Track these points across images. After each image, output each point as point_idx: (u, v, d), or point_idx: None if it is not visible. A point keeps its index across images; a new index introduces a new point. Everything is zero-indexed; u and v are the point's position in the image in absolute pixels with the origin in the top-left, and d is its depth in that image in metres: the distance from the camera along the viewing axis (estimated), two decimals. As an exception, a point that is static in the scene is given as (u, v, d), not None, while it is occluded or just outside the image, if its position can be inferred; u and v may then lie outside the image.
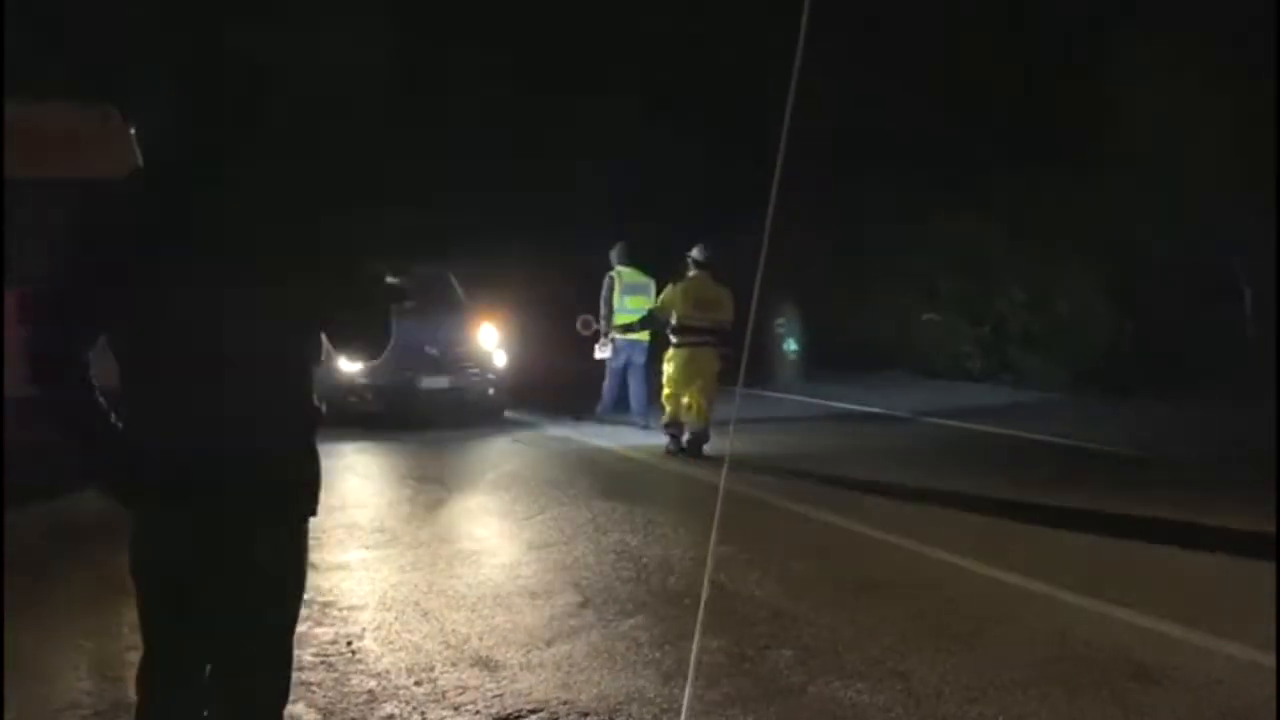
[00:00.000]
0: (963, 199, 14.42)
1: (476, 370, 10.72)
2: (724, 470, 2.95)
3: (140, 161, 7.22)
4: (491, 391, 10.81)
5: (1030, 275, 14.18)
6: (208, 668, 2.33)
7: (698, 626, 2.83)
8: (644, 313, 9.61)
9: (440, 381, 10.38)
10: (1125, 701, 3.65)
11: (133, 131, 7.57)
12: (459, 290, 11.78)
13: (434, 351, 10.28)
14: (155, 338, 2.16)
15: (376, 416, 9.92)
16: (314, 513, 2.34)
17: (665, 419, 8.96)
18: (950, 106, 14.34)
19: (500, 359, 10.89)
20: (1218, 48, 11.84)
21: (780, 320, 10.22)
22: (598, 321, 10.30)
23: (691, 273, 8.88)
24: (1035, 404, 12.39)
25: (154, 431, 2.18)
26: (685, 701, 2.73)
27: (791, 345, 10.09)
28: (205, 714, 2.32)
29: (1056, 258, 13.93)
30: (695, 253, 8.89)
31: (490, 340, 10.89)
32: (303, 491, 2.31)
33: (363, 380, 9.79)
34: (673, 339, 8.90)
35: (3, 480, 5.26)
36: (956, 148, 14.08)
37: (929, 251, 15.22)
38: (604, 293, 10.34)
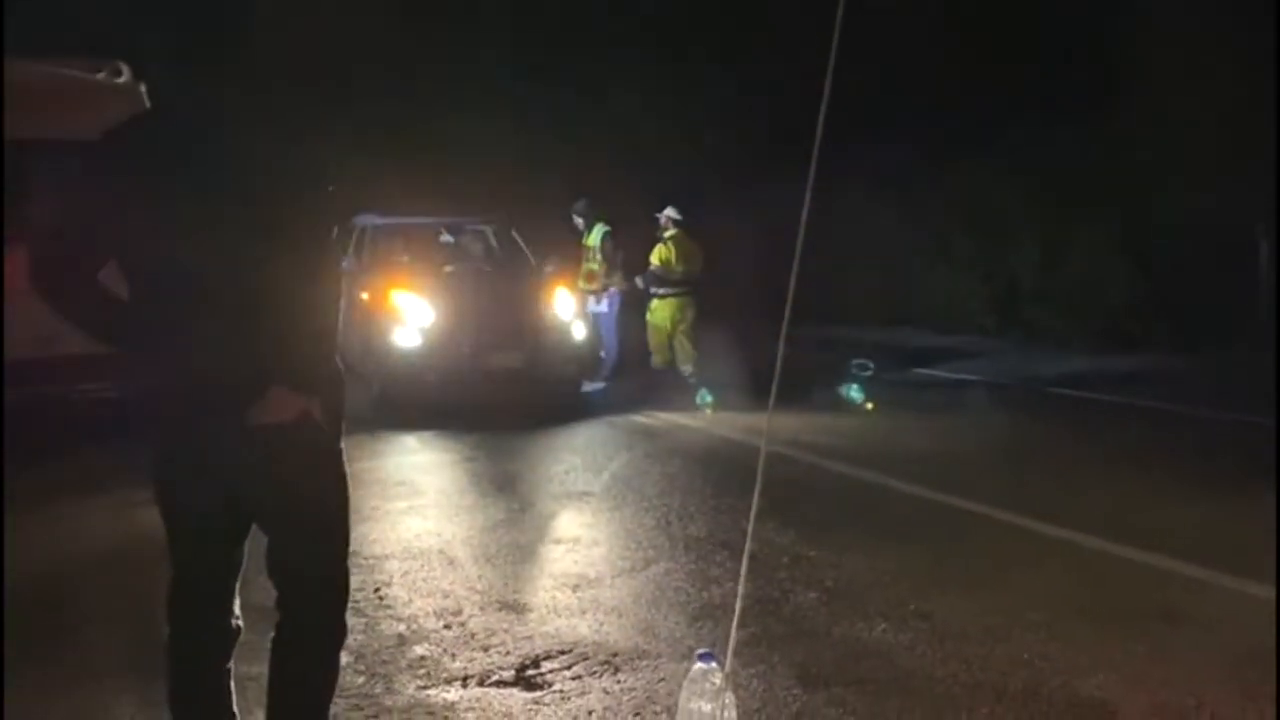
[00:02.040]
0: (975, 155, 14.32)
1: (552, 345, 8.85)
2: (766, 423, 2.96)
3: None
4: (570, 370, 9.03)
5: (1044, 232, 14.10)
6: (237, 596, 2.44)
7: (743, 565, 2.85)
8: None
9: (512, 358, 8.57)
10: (1148, 639, 3.69)
11: (142, 88, 7.54)
12: (525, 248, 10.18)
13: (504, 321, 8.64)
14: (156, 271, 2.22)
15: (438, 402, 8.19)
16: (336, 439, 2.39)
17: (658, 365, 9.55)
18: (962, 60, 14.18)
19: (580, 331, 9.16)
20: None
21: (859, 361, 9.36)
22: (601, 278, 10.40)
23: (671, 231, 9.54)
24: (1042, 356, 12.39)
25: (159, 363, 2.25)
26: (732, 638, 2.75)
27: (855, 393, 8.94)
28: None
29: (1070, 215, 13.85)
30: (672, 212, 9.61)
31: (567, 309, 9.12)
32: (317, 420, 2.33)
33: (420, 360, 8.30)
34: (659, 291, 9.46)
35: (2, 481, 5.23)
36: (969, 103, 13.96)
37: (941, 209, 15.13)
38: (607, 247, 10.38)
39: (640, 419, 8.42)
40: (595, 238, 10.43)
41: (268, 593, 2.48)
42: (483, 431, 7.71)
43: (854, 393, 8.77)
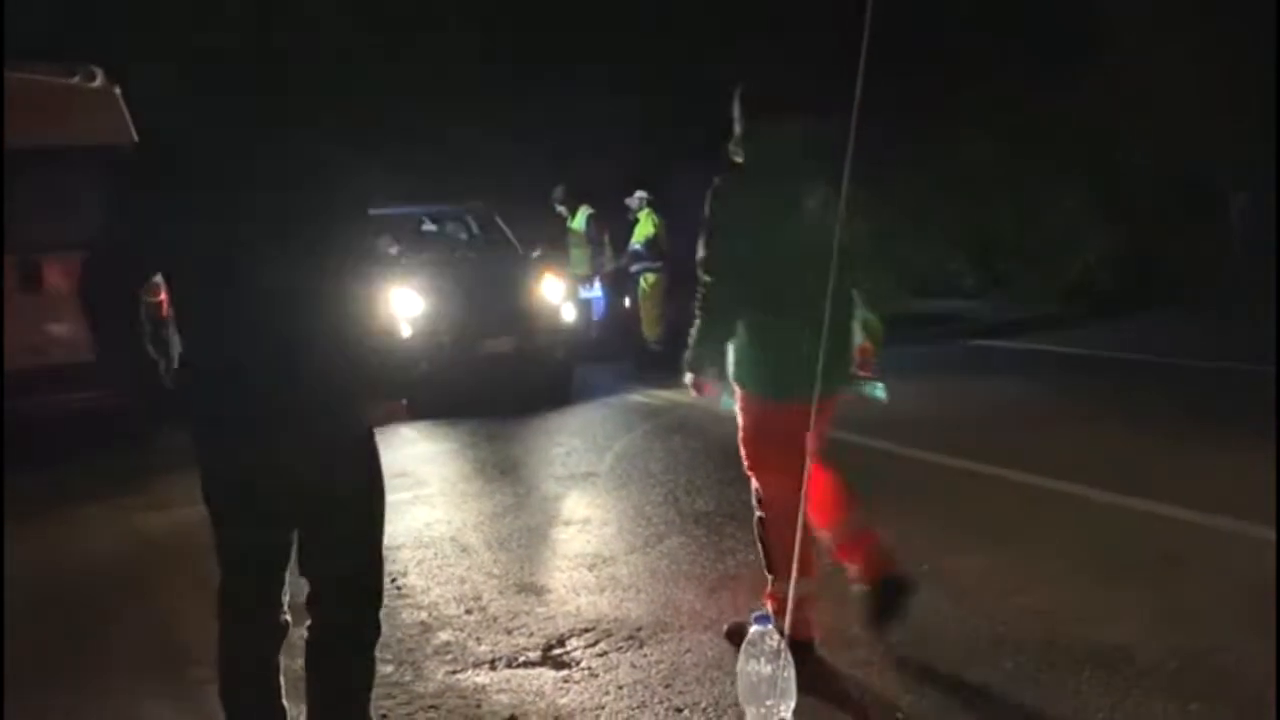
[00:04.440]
0: (947, 113, 14.37)
1: (543, 329, 8.89)
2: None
3: (130, 123, 7.14)
4: (561, 354, 9.10)
5: (1019, 190, 14.19)
6: (286, 593, 2.45)
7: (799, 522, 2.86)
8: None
9: (503, 343, 8.61)
10: (1157, 585, 3.76)
11: (117, 91, 7.45)
12: (509, 234, 10.01)
13: (493, 308, 8.60)
14: (198, 277, 2.26)
15: (430, 387, 7.86)
16: (369, 431, 2.46)
17: (657, 337, 10.11)
18: (932, 13, 14.19)
19: (569, 314, 9.22)
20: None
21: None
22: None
23: (647, 210, 10.34)
24: (1029, 318, 12.50)
25: (204, 363, 2.30)
26: (790, 598, 2.78)
27: (879, 392, 9.10)
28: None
29: (1043, 172, 13.94)
30: (645, 194, 10.43)
31: (556, 293, 9.14)
32: (351, 412, 2.40)
33: (413, 345, 8.10)
34: (652, 265, 10.26)
35: (2, 484, 5.18)
36: (940, 59, 13.97)
37: (914, 167, 15.19)
38: (593, 231, 10.62)
39: (636, 398, 8.46)
40: (579, 222, 10.53)
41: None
42: (479, 418, 7.72)
43: (878, 392, 8.94)
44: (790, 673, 2.26)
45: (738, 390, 3.42)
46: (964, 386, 8.28)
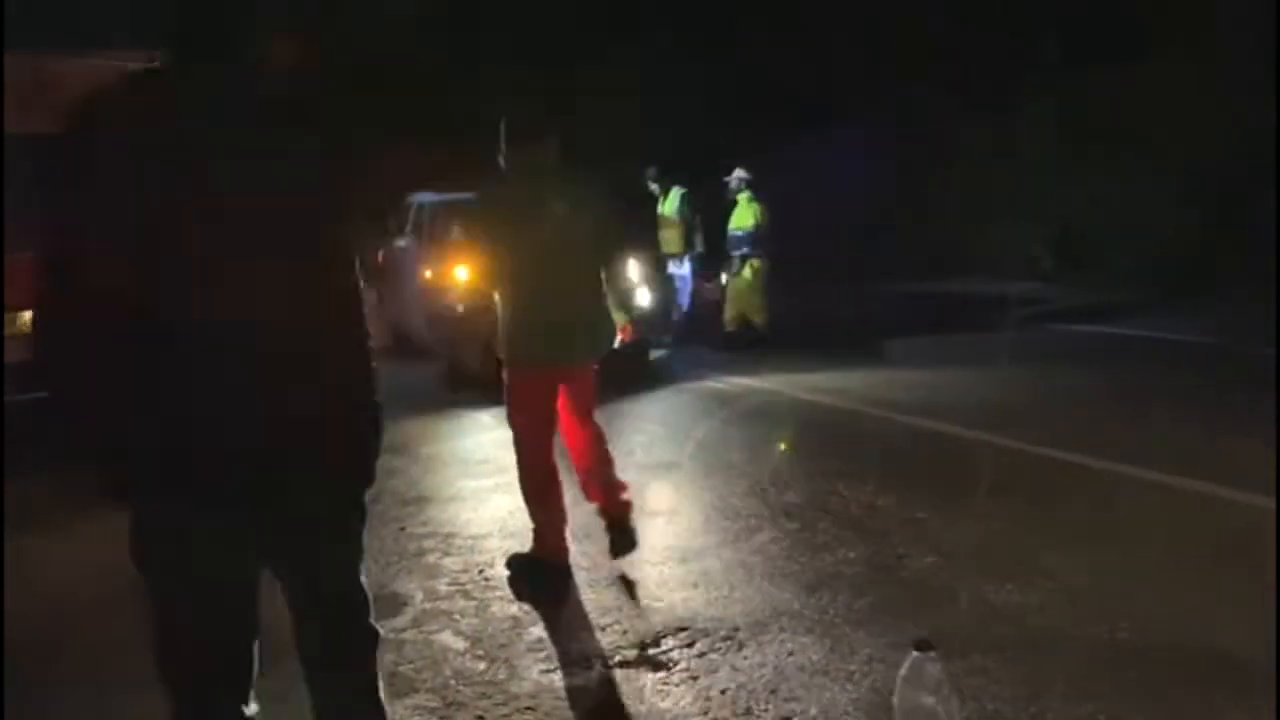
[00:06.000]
0: (1021, 99, 14.07)
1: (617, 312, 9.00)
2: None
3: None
4: (641, 335, 9.23)
5: (1098, 173, 13.80)
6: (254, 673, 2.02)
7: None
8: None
9: None
10: (1264, 577, 3.56)
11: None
12: None
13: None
14: (152, 301, 1.75)
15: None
16: (365, 488, 2.03)
17: (764, 325, 10.02)
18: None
19: (644, 297, 8.88)
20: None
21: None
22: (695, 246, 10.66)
23: (747, 192, 9.96)
24: (1123, 304, 12.12)
25: (155, 411, 1.77)
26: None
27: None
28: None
29: (1121, 156, 13.56)
30: (745, 174, 9.99)
31: (632, 274, 8.57)
32: (348, 469, 1.98)
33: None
34: (754, 251, 9.93)
35: (2, 487, 5.01)
36: (1013, 47, 13.66)
37: (990, 155, 14.86)
38: (686, 211, 10.55)
39: (711, 384, 8.32)
40: (673, 201, 10.61)
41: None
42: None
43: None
44: (955, 705, 2.12)
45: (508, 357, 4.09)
46: (1044, 372, 8.02)
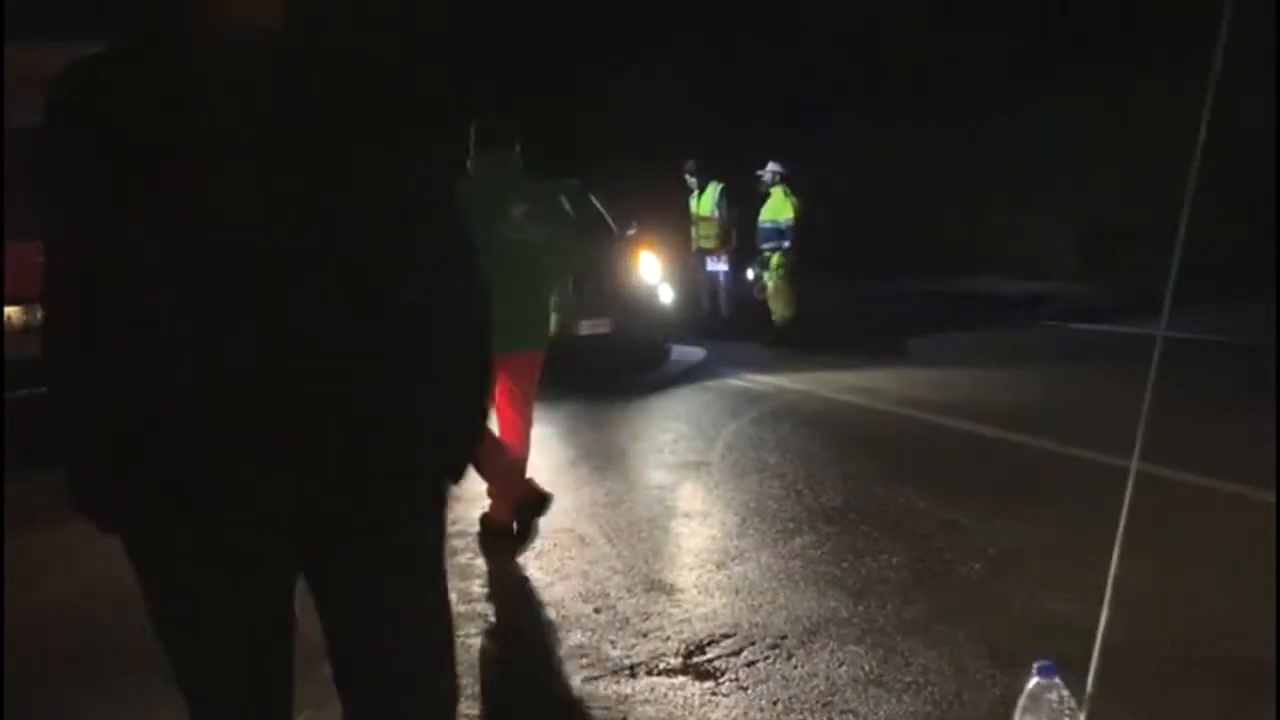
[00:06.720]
0: (1048, 93, 13.90)
1: (642, 310, 8.73)
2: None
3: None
4: (659, 335, 8.98)
5: (1129, 168, 13.63)
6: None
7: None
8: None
9: (602, 325, 8.36)
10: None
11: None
12: (605, 213, 9.50)
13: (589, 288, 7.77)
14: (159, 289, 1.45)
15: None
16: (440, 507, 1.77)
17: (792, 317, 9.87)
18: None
19: (666, 295, 9.03)
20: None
21: None
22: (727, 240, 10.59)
23: (782, 185, 9.78)
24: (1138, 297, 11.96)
25: (146, 416, 1.46)
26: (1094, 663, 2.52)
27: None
28: None
29: (1154, 151, 13.37)
30: (779, 168, 9.83)
31: (653, 273, 8.95)
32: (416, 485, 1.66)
33: None
34: (780, 245, 9.74)
35: (2, 488, 4.88)
36: (1047, 39, 13.50)
37: (1019, 148, 14.70)
38: (723, 205, 10.51)
39: (737, 382, 8.21)
40: (711, 196, 10.55)
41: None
42: (576, 402, 7.53)
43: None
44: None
45: None
46: (1075, 372, 7.89)
